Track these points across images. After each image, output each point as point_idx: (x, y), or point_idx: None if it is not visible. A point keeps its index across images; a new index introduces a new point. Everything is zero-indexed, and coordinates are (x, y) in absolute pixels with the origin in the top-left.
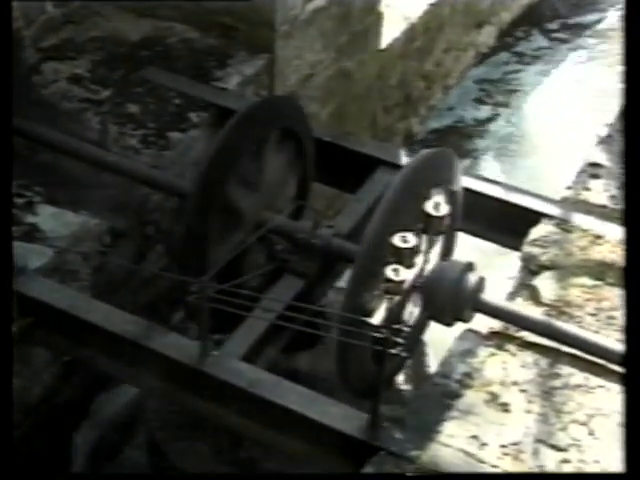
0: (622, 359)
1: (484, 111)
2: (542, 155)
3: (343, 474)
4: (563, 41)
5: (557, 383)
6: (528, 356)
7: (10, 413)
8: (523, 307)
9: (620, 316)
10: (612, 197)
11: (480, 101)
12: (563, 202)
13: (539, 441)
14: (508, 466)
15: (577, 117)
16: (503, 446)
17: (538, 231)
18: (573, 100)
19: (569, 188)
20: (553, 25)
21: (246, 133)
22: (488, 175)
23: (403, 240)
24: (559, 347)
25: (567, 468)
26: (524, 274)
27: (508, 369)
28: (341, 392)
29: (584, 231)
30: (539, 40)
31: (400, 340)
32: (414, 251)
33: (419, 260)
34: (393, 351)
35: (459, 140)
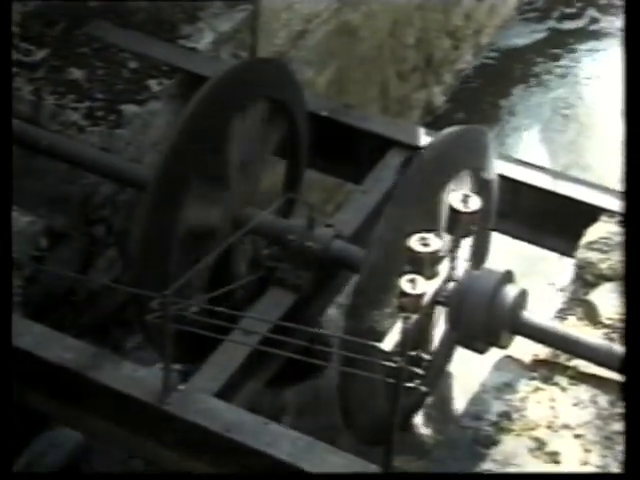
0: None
1: None
2: (601, 131)
3: (347, 474)
4: None
5: (620, 427)
6: (583, 392)
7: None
8: (576, 328)
9: None
10: None
11: None
12: None
13: None
14: None
15: None
16: None
17: (596, 231)
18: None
19: None
20: None
21: (221, 106)
22: (531, 155)
23: (422, 243)
24: (623, 380)
25: None
26: (578, 286)
27: (557, 408)
28: (344, 437)
29: None
30: None
31: (419, 371)
32: (436, 257)
33: (443, 268)
34: (410, 385)
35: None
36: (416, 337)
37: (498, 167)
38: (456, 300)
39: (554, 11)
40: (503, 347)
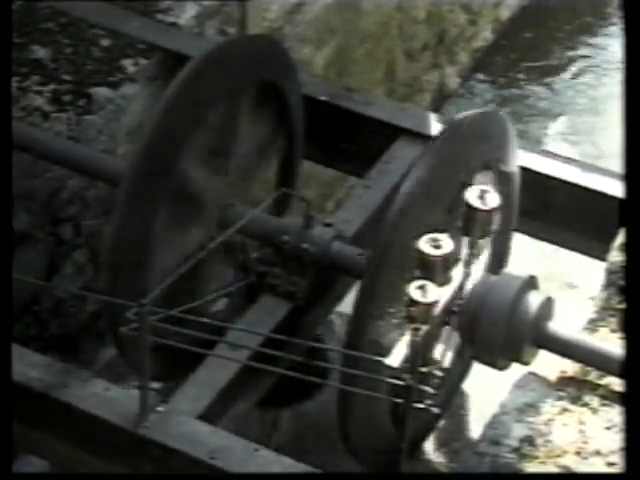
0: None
1: None
2: None
3: (345, 474)
4: None
5: None
6: (616, 414)
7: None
8: (608, 341)
9: None
10: None
11: None
12: None
13: None
14: None
15: None
16: None
17: None
18: None
19: None
20: None
21: (205, 90)
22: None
23: (434, 244)
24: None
25: None
26: (610, 293)
27: (587, 432)
28: (344, 463)
29: None
30: None
31: (430, 389)
32: (449, 260)
33: (457, 274)
34: (420, 405)
35: None
36: (427, 351)
37: (521, 158)
38: (472, 309)
39: None
40: (526, 363)
